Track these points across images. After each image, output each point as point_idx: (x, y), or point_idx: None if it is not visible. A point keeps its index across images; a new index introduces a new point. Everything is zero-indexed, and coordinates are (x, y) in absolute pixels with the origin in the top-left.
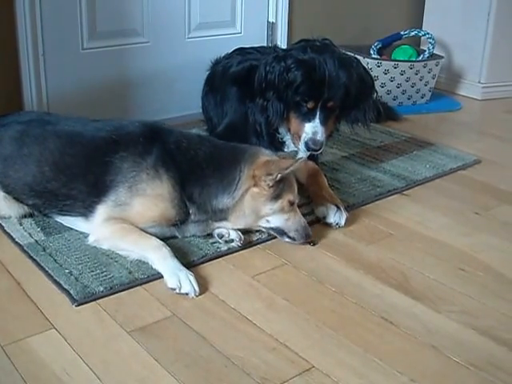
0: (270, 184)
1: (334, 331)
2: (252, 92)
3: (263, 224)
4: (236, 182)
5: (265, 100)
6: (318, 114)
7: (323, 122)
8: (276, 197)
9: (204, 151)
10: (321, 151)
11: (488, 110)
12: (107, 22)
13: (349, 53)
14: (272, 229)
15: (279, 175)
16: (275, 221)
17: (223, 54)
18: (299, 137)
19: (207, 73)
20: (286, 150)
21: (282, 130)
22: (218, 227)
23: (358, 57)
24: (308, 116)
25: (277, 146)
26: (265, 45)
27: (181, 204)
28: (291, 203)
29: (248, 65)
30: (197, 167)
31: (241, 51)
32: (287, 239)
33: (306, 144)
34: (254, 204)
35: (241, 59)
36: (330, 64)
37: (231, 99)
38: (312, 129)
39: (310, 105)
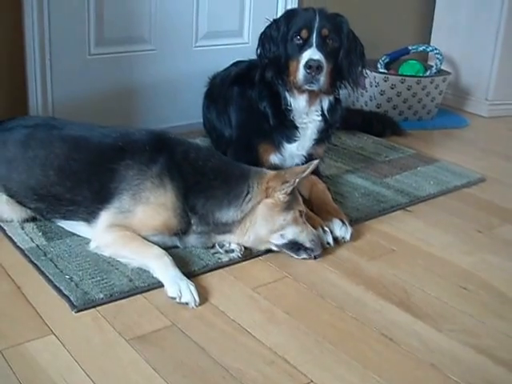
0: (288, 191)
1: (334, 346)
2: (252, 82)
3: (276, 240)
4: (244, 195)
5: (265, 51)
6: (313, 40)
7: (320, 48)
8: (289, 207)
9: (213, 163)
10: (321, 83)
11: (494, 127)
12: (115, 29)
13: None
14: (286, 244)
15: (297, 180)
16: (289, 234)
17: (220, 69)
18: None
19: (205, 88)
20: (297, 123)
21: (285, 94)
22: (222, 241)
23: (365, 71)
24: (305, 47)
25: (287, 125)
26: None
27: (183, 214)
28: (301, 214)
29: (247, 63)
30: (203, 178)
31: (238, 64)
32: (303, 255)
33: (306, 65)
34: (269, 214)
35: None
36: (323, 11)
37: (234, 99)
38: (309, 52)
39: (304, 34)
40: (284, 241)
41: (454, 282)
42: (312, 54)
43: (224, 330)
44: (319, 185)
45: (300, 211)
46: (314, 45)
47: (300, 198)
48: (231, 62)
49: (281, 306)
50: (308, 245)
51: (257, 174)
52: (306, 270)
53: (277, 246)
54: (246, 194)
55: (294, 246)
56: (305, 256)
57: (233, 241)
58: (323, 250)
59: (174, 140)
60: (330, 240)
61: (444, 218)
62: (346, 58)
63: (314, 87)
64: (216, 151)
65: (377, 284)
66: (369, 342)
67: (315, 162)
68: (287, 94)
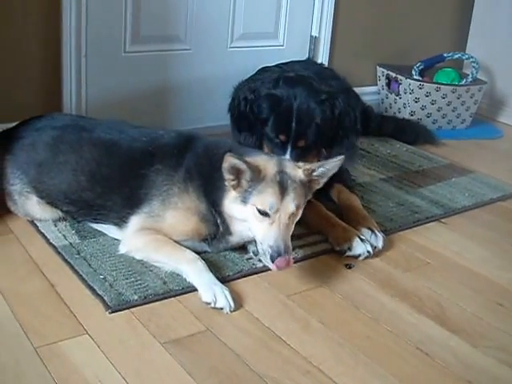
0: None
1: (369, 358)
2: None
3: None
4: None
5: (238, 131)
6: (289, 149)
7: (296, 159)
8: (243, 199)
9: (222, 153)
10: None
11: None
12: (151, 27)
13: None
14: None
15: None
16: (250, 227)
17: (244, 78)
18: None
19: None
20: None
21: None
22: (231, 242)
23: (400, 77)
24: (280, 151)
25: None
26: (297, 59)
27: (208, 217)
28: (261, 213)
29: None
30: (213, 171)
31: (263, 71)
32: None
33: None
34: (229, 204)
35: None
36: (301, 97)
37: None
38: None
39: (282, 138)
40: (251, 235)
41: (490, 298)
42: None
43: (259, 338)
44: (345, 192)
45: (258, 209)
46: (288, 155)
47: (270, 195)
48: (256, 69)
49: (315, 315)
50: (258, 246)
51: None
52: (341, 279)
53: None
54: None
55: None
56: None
57: (236, 240)
58: (363, 259)
59: (198, 138)
60: (370, 248)
61: (479, 231)
62: (333, 140)
63: None
64: (232, 142)
65: (412, 297)
66: (404, 356)
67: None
68: None
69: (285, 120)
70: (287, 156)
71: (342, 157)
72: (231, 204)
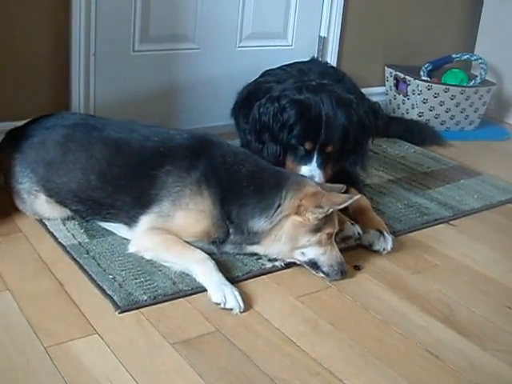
0: (319, 217)
1: (379, 360)
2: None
3: (298, 256)
4: (275, 206)
5: (260, 143)
6: (315, 156)
7: (321, 166)
8: (317, 229)
9: (247, 168)
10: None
11: None
12: (160, 26)
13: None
14: (306, 262)
15: (331, 210)
16: (310, 253)
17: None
18: None
19: (236, 104)
20: None
21: None
22: (251, 252)
23: (408, 78)
24: (305, 159)
25: None
26: (300, 60)
27: (220, 222)
28: (329, 236)
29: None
30: (237, 185)
31: (267, 74)
32: (321, 274)
33: None
34: (294, 233)
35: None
36: (327, 104)
37: None
38: (308, 172)
39: (308, 146)
40: (304, 259)
41: (500, 301)
42: (311, 176)
43: (268, 339)
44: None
45: (328, 233)
46: (315, 163)
47: (335, 218)
48: (260, 73)
49: (325, 316)
50: (325, 269)
51: (293, 186)
52: (350, 280)
53: (298, 261)
54: (278, 206)
55: (314, 266)
56: (321, 275)
57: (260, 252)
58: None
59: (214, 143)
60: (360, 231)
61: (488, 233)
62: (352, 148)
63: None
64: (254, 156)
65: (421, 299)
66: (414, 359)
67: (357, 196)
68: None
69: (314, 126)
70: (313, 162)
71: (359, 196)
72: (295, 231)
